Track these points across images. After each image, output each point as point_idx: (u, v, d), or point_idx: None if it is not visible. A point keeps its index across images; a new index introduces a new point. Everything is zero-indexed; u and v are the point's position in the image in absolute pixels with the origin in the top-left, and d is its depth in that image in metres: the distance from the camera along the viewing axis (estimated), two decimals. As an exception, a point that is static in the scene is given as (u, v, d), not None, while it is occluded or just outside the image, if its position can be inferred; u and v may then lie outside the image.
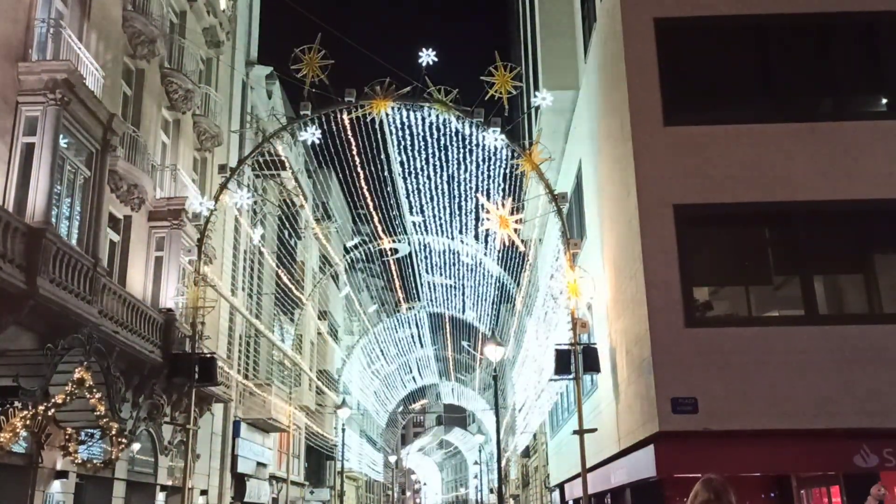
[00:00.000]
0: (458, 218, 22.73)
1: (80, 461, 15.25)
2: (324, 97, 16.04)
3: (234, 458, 26.75)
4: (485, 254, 25.40)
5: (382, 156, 19.37)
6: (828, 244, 12.53)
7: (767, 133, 12.65)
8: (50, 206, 14.46)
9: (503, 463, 31.19)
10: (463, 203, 21.29)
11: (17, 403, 12.51)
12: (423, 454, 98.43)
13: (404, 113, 16.52)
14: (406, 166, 19.86)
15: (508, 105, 15.61)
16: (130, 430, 16.10)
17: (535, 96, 16.28)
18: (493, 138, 15.98)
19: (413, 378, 52.74)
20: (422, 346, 44.91)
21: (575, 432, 14.90)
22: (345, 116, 16.56)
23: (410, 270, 30.82)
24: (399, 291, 32.87)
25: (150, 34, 19.80)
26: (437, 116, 16.38)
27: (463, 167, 18.70)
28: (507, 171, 17.51)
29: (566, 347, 14.83)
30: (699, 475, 6.26)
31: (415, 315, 38.80)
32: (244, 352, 27.85)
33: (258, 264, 29.46)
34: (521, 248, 20.72)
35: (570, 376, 14.86)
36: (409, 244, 28.13)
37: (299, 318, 31.64)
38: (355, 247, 28.42)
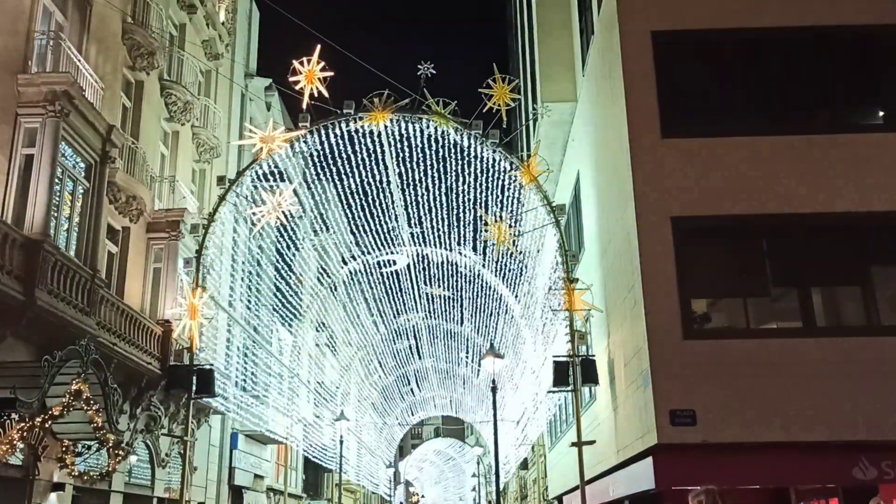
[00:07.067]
0: (456, 229, 22.75)
1: (76, 473, 15.20)
2: (322, 109, 16.11)
3: (232, 470, 26.66)
4: (483, 265, 25.42)
5: (381, 167, 19.40)
6: (826, 256, 12.54)
7: (765, 145, 12.69)
8: (48, 217, 14.48)
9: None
10: (461, 214, 21.31)
11: (14, 415, 12.50)
12: (421, 466, 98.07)
13: (402, 125, 16.57)
14: (404, 178, 19.90)
15: (507, 117, 15.66)
16: (128, 442, 16.07)
17: (534, 108, 16.34)
18: (492, 150, 16.03)
19: (411, 390, 52.60)
20: (419, 357, 44.79)
21: (573, 444, 14.88)
22: (343, 128, 16.61)
23: (408, 281, 30.79)
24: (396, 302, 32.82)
25: (149, 46, 19.87)
26: (436, 128, 16.42)
27: (461, 179, 18.72)
28: (506, 182, 17.54)
29: (564, 359, 14.83)
30: (698, 488, 6.27)
31: (413, 326, 38.75)
32: (242, 363, 27.78)
33: (256, 276, 29.44)
34: (520, 260, 20.75)
35: (569, 388, 14.86)
36: (406, 255, 28.13)
37: (297, 330, 31.59)
38: (353, 258, 28.42)
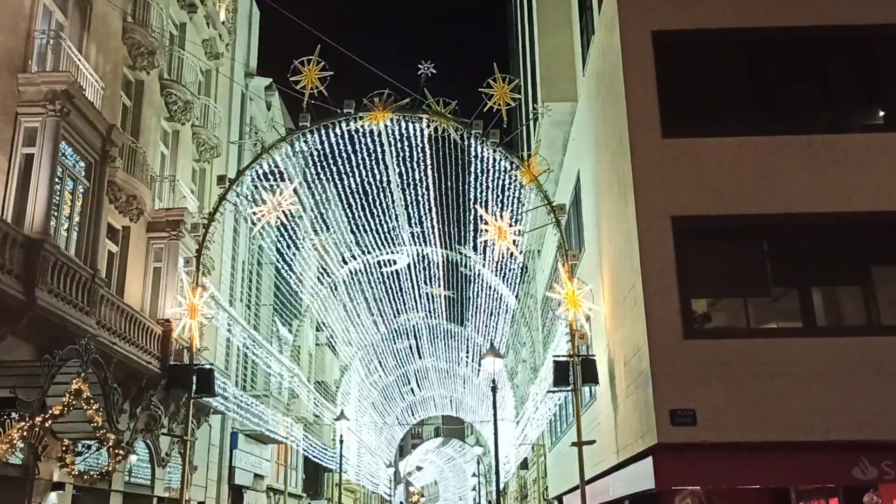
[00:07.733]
0: (456, 229, 22.80)
1: (76, 473, 15.20)
2: (323, 108, 16.12)
3: (232, 469, 26.66)
4: (483, 265, 25.44)
5: (381, 167, 19.42)
6: (826, 256, 12.54)
7: (765, 145, 12.69)
8: (49, 216, 14.47)
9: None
10: (461, 214, 21.36)
11: (14, 415, 12.49)
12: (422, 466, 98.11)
13: (402, 124, 16.58)
14: (404, 177, 19.93)
15: (507, 117, 15.67)
16: (128, 442, 16.06)
17: (534, 108, 16.37)
18: (492, 150, 16.04)
19: (412, 390, 52.59)
20: (420, 356, 44.79)
21: (573, 444, 14.88)
22: (343, 128, 16.62)
23: (409, 281, 30.82)
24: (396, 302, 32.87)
25: (149, 45, 19.85)
26: (436, 128, 16.43)
27: (461, 178, 18.76)
28: (506, 182, 17.56)
29: (565, 359, 14.83)
30: (698, 487, 6.27)
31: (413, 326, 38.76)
32: (242, 363, 27.80)
33: (256, 275, 29.45)
34: (520, 259, 20.77)
35: (569, 388, 14.86)
36: (407, 255, 28.15)
37: (297, 329, 31.60)
38: (353, 257, 28.46)
